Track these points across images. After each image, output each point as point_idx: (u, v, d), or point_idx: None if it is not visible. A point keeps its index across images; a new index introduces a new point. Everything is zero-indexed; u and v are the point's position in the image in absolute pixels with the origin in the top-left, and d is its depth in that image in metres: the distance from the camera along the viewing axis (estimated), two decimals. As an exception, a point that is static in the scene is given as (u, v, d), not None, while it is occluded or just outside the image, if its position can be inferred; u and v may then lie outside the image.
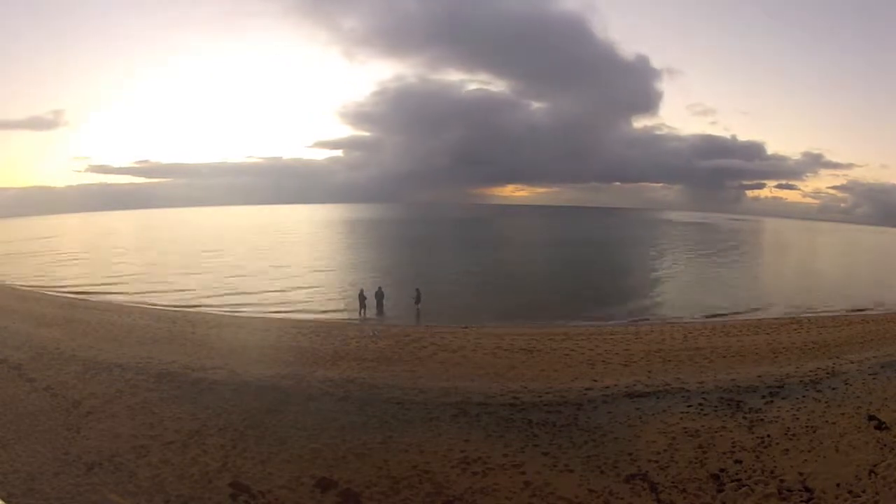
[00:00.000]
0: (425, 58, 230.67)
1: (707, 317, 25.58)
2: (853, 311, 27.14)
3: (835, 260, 61.77)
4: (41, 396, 13.58)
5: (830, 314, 25.90)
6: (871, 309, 27.71)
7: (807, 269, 50.20)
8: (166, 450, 10.71)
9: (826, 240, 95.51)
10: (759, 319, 24.67)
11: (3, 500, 8.33)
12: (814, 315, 25.53)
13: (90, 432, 11.51)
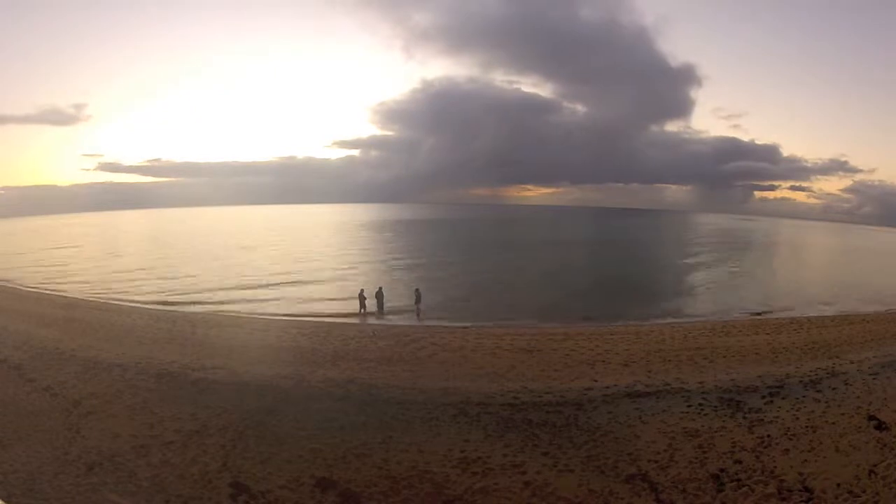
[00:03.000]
0: (481, 57, 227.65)
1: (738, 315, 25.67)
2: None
3: (840, 260, 61.81)
4: (41, 396, 13.58)
5: (830, 314, 25.90)
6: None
7: (810, 268, 50.27)
8: (166, 450, 10.70)
9: (831, 240, 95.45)
10: (760, 319, 24.68)
11: (4, 500, 8.33)
12: (814, 315, 25.53)
13: (90, 432, 11.50)
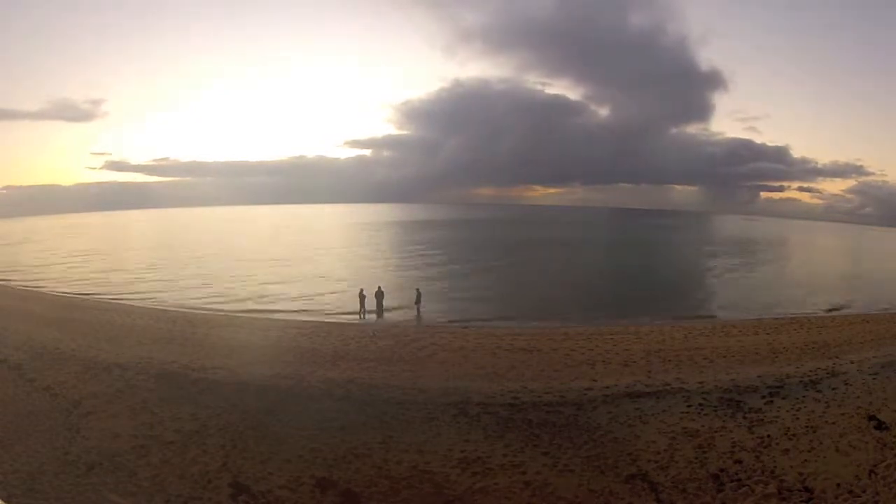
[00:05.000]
0: (519, 59, 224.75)
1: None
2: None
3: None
4: (41, 396, 13.58)
5: (830, 314, 25.90)
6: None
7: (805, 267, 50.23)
8: (166, 450, 10.71)
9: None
10: (759, 319, 24.64)
11: (4, 500, 8.33)
12: (814, 315, 25.52)
13: (90, 432, 11.51)
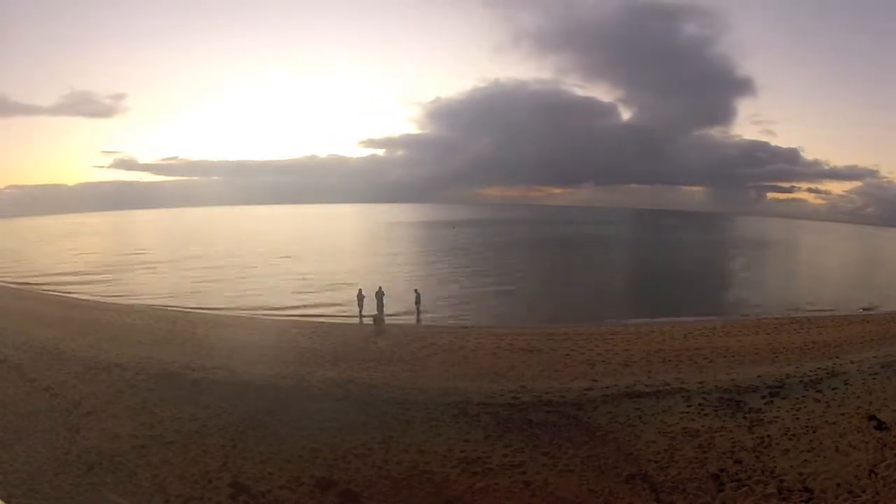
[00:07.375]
0: (563, 62, 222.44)
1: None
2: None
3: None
4: (41, 396, 13.58)
5: (830, 314, 25.88)
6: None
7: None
8: (166, 450, 10.72)
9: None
10: (759, 319, 24.64)
11: (4, 500, 8.33)
12: (814, 315, 25.51)
13: (90, 432, 11.51)
